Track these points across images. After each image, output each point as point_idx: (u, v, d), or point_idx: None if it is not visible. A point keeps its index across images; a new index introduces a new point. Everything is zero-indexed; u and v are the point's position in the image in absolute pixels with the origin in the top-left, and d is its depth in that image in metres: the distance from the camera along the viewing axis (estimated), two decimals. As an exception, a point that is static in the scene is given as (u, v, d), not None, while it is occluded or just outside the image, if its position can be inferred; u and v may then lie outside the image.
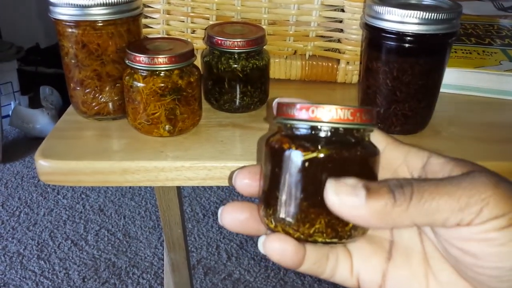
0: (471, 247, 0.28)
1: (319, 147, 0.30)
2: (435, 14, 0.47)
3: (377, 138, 0.34)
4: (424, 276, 0.33)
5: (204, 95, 0.57)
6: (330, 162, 0.30)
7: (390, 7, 0.48)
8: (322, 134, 0.31)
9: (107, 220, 1.77)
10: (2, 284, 1.49)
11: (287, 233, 0.32)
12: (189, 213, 1.82)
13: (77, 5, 0.49)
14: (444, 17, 0.47)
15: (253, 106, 0.57)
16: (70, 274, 1.53)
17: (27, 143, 2.23)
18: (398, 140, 0.34)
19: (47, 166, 0.47)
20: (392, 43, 0.49)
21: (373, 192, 0.28)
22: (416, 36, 0.48)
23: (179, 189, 0.99)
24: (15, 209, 1.82)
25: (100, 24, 0.51)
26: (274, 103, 0.36)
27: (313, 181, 0.31)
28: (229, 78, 0.55)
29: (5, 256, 1.60)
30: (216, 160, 0.48)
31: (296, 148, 0.31)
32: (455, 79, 0.64)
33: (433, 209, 0.28)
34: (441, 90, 0.54)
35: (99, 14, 0.50)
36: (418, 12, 0.47)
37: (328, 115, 0.30)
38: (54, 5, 0.50)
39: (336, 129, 0.31)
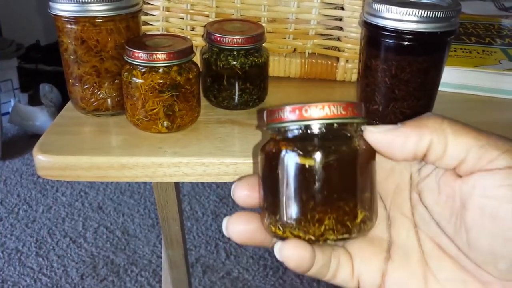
0: (492, 203, 0.28)
1: (317, 146, 0.31)
2: (434, 12, 0.47)
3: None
4: (423, 276, 0.33)
5: (203, 92, 0.57)
6: (330, 159, 0.31)
7: (389, 5, 0.48)
8: (318, 132, 0.31)
9: (105, 218, 1.77)
10: (0, 281, 1.49)
11: (296, 236, 0.31)
12: (188, 211, 1.82)
13: (76, 1, 0.49)
14: (443, 15, 0.47)
15: (252, 104, 0.57)
16: (68, 271, 1.53)
17: (27, 141, 2.23)
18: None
19: (46, 161, 0.47)
20: (391, 41, 0.49)
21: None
22: (415, 34, 0.48)
23: (177, 185, 0.99)
24: (14, 206, 1.82)
25: (99, 20, 0.51)
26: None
27: (316, 179, 0.31)
28: (228, 75, 0.55)
29: (3, 253, 1.60)
30: (214, 156, 0.48)
31: (294, 149, 0.31)
32: (455, 78, 0.64)
33: (464, 134, 0.29)
34: (441, 88, 0.54)
35: (98, 10, 0.50)
36: (417, 10, 0.47)
37: (321, 113, 0.31)
38: (54, 1, 0.50)
39: (331, 125, 0.31)
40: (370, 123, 0.33)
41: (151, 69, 0.49)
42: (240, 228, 0.34)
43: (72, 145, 0.49)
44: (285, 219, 0.32)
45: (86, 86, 0.54)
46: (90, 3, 0.49)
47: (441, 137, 0.30)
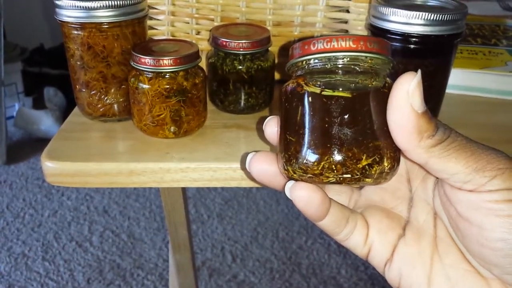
0: (478, 215, 0.29)
1: (341, 77, 0.30)
2: (441, 15, 0.47)
3: None
4: (430, 257, 0.34)
5: (209, 96, 0.58)
6: (353, 93, 0.29)
7: (395, 8, 0.48)
8: (337, 65, 0.30)
9: (111, 222, 1.77)
10: (7, 286, 1.49)
11: (313, 173, 0.30)
12: (193, 214, 1.82)
13: (83, 7, 0.49)
14: (450, 18, 0.47)
15: (258, 108, 0.57)
16: (75, 276, 1.53)
17: (32, 145, 2.24)
18: None
19: (54, 168, 0.47)
20: (397, 44, 0.49)
21: (428, 114, 0.29)
22: (422, 37, 0.48)
23: (184, 190, 0.99)
24: (19, 210, 1.83)
25: (105, 26, 0.51)
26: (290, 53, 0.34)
27: (328, 114, 0.29)
28: (234, 80, 0.55)
29: (10, 257, 1.60)
30: (221, 161, 0.48)
31: (307, 83, 0.30)
32: (461, 80, 0.64)
33: (453, 159, 0.29)
34: (447, 90, 0.54)
35: (104, 16, 0.50)
36: (424, 13, 0.47)
37: (345, 44, 0.29)
38: (60, 7, 0.50)
39: (352, 58, 0.30)
40: (395, 66, 0.32)
41: (158, 74, 0.49)
42: (262, 168, 0.35)
43: (80, 151, 0.49)
44: (300, 157, 0.30)
45: (93, 92, 0.54)
46: (97, 9, 0.50)
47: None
